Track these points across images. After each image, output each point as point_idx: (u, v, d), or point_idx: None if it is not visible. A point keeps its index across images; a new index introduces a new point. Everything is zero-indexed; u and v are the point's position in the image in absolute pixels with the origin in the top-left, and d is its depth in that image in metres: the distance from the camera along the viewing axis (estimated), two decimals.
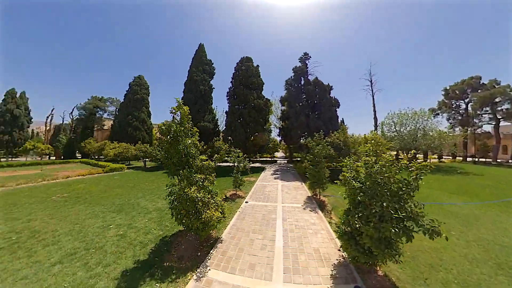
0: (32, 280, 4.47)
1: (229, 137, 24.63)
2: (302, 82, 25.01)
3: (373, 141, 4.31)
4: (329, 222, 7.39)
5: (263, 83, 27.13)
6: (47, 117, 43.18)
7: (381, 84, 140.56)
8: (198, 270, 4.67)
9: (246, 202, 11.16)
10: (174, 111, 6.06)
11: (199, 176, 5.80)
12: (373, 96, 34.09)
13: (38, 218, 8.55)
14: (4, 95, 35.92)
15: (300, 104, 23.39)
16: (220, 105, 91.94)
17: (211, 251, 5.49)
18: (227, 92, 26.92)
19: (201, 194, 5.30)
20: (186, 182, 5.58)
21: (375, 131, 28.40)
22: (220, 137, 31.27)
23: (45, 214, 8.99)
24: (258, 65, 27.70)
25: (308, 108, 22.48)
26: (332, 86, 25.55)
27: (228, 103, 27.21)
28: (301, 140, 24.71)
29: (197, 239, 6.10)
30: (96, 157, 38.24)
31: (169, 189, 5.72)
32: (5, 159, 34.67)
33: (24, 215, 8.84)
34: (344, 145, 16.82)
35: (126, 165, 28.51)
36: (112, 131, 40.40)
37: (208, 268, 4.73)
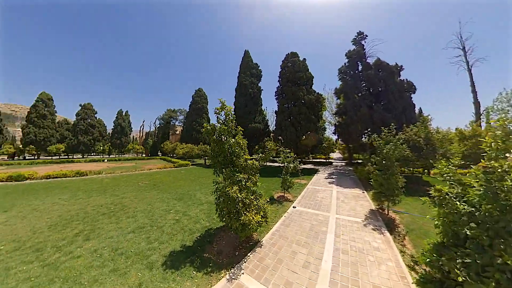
0: (114, 240, 6.30)
1: (279, 137, 24.05)
2: (360, 67, 21.17)
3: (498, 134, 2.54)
4: (401, 252, 5.49)
5: (313, 77, 24.94)
6: (140, 127, 56.83)
7: (481, 50, 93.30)
8: (232, 270, 4.60)
9: (294, 207, 10.26)
10: (217, 111, 6.12)
11: (242, 175, 5.63)
12: (469, 70, 24.46)
13: (127, 197, 11.47)
14: (116, 114, 49.94)
15: (360, 94, 19.83)
16: (270, 106, 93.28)
17: (249, 254, 5.25)
18: (275, 92, 26.42)
19: (242, 194, 5.18)
20: (229, 181, 5.61)
21: (478, 121, 20.62)
22: (271, 137, 31.17)
23: (132, 195, 11.94)
24: (305, 59, 25.74)
25: (370, 98, 18.72)
26: (402, 66, 20.08)
27: (277, 102, 26.68)
28: (363, 138, 21.05)
29: (238, 238, 6.05)
30: (171, 155, 46.50)
31: (216, 186, 5.81)
32: (117, 156, 49.04)
33: (120, 194, 12.16)
34: (426, 143, 12.80)
35: (191, 162, 33.12)
36: (181, 135, 48.30)
37: (242, 271, 4.56)
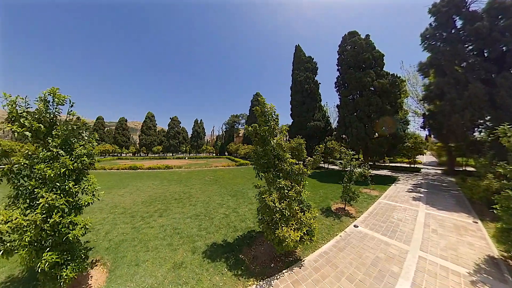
0: (176, 221, 7.77)
1: (343, 135, 20.40)
2: (458, 23, 14.11)
3: None
4: None
5: (383, 56, 19.40)
6: (211, 131, 66.02)
7: None
8: (261, 283, 4.35)
9: (355, 226, 7.89)
10: (257, 111, 5.69)
11: (284, 182, 4.97)
12: None
13: (194, 188, 13.72)
14: (193, 123, 60.72)
15: (464, 63, 13.23)
16: (331, 101, 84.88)
17: (284, 271, 4.71)
18: (335, 83, 22.67)
19: (282, 204, 4.62)
20: (269, 187, 5.32)
21: None
22: (334, 136, 27.33)
23: (198, 187, 14.00)
24: (368, 35, 20.48)
25: (486, 66, 11.96)
26: None
27: (338, 95, 22.87)
28: (475, 133, 14.15)
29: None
30: (235, 155, 51.34)
31: (259, 190, 5.50)
32: (194, 155, 59.52)
33: (190, 185, 14.81)
34: None
35: (250, 161, 35.46)
36: (244, 137, 51.93)
37: None
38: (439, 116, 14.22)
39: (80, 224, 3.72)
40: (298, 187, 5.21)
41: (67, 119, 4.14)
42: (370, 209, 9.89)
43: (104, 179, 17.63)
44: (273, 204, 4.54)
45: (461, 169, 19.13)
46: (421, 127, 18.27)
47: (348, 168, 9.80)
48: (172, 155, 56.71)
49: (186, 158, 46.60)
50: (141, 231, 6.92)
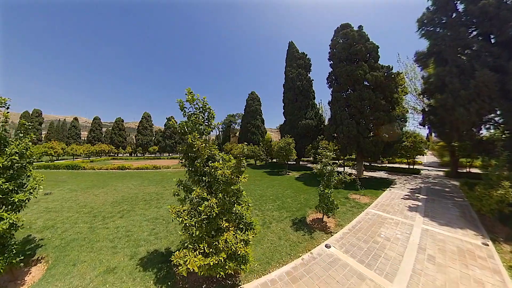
0: (132, 223, 7.69)
1: (334, 134, 18.32)
2: (460, 6, 11.94)
3: None
4: None
5: (377, 47, 17.24)
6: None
7: None
8: None
9: (327, 246, 6.00)
10: (181, 105, 4.66)
11: (198, 191, 4.15)
12: None
13: (169, 189, 13.06)
14: None
15: (468, 50, 11.07)
16: (327, 100, 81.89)
17: None
18: (327, 78, 20.59)
19: (192, 220, 3.89)
20: (185, 196, 4.75)
21: None
22: (324, 134, 25.21)
23: (175, 188, 15.26)
24: (361, 26, 18.34)
25: (493, 52, 9.84)
26: None
27: (331, 92, 20.81)
28: (482, 131, 12.00)
29: None
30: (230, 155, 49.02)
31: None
32: None
33: (168, 186, 14.27)
34: None
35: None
36: (239, 137, 49.97)
37: None
38: (440, 111, 12.05)
39: (5, 220, 3.73)
40: (226, 198, 4.22)
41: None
42: (354, 221, 7.89)
43: (88, 179, 17.35)
44: (181, 218, 3.83)
45: (465, 171, 16.84)
46: (420, 124, 16.07)
47: (322, 169, 7.82)
48: (169, 155, 55.28)
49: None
50: (95, 231, 6.87)
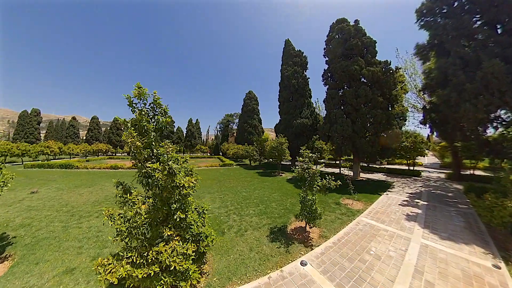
0: (103, 226, 7.01)
1: (328, 133, 17.09)
2: None
3: None
4: None
5: (375, 42, 16.01)
6: (207, 130, 63.23)
7: None
8: None
9: (302, 263, 4.84)
10: (129, 100, 3.96)
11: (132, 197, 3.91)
12: None
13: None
14: (187, 122, 57.74)
15: (472, 42, 9.73)
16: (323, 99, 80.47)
17: None
18: (322, 76, 19.37)
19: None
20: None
21: None
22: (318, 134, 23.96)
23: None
24: (357, 20, 17.07)
25: (501, 42, 8.53)
26: None
27: (326, 90, 19.59)
28: (489, 130, 10.67)
29: None
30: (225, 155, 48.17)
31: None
32: (188, 154, 56.52)
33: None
34: None
35: (239, 162, 34.59)
36: (236, 136, 48.88)
37: None
38: (443, 108, 10.78)
39: None
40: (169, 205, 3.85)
41: None
42: (341, 233, 6.70)
43: (78, 178, 17.01)
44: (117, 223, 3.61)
45: (468, 173, 15.49)
46: (421, 123, 14.77)
47: (307, 176, 6.66)
48: None
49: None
50: (67, 230, 6.74)
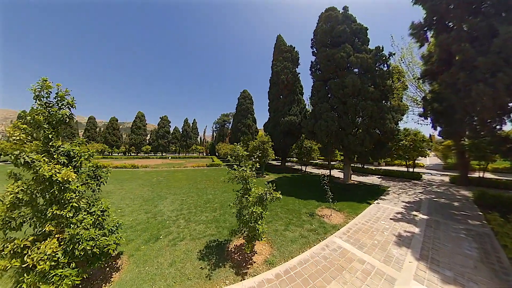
0: None
1: (312, 130, 14.73)
2: None
3: None
4: None
5: (366, 29, 13.68)
6: (204, 131, 61.45)
7: None
8: None
9: None
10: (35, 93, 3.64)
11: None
12: None
13: (126, 188, 12.48)
14: (183, 122, 56.33)
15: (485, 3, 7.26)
16: None
17: None
18: (310, 68, 17.08)
19: None
20: None
21: None
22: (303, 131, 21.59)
23: (135, 187, 13.03)
24: (346, 7, 14.69)
25: None
26: None
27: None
28: (505, 122, 8.09)
29: None
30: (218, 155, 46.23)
31: None
32: (184, 154, 56.04)
33: (125, 186, 13.32)
34: None
35: (227, 162, 32.77)
36: (229, 136, 46.90)
37: None
38: (447, 95, 8.36)
39: None
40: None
41: None
42: (297, 259, 4.56)
43: None
44: None
45: (477, 176, 12.87)
46: (420, 116, 12.29)
47: (241, 182, 4.46)
48: (162, 155, 52.87)
49: (169, 158, 42.38)
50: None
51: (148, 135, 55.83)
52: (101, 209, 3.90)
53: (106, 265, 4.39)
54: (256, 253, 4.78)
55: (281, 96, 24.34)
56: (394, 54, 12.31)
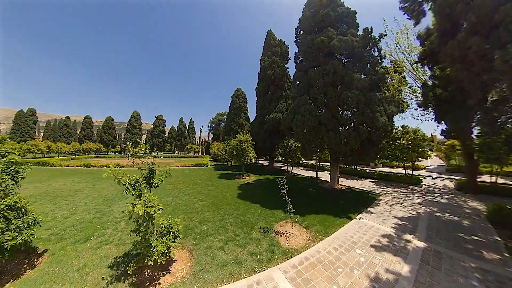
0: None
1: (290, 127, 12.50)
2: None
3: None
4: None
5: (354, 12, 11.39)
6: (200, 130, 59.62)
7: None
8: None
9: None
10: None
11: None
12: None
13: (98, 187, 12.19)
14: (178, 121, 54.55)
15: None
16: None
17: None
18: (294, 60, 14.86)
19: None
20: None
21: None
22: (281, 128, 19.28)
23: (104, 185, 12.63)
24: None
25: None
26: None
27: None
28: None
29: None
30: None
31: None
32: (178, 153, 54.30)
33: (101, 184, 13.11)
34: None
35: (216, 161, 32.74)
36: (223, 135, 45.00)
37: None
38: (455, 72, 6.06)
39: None
40: None
41: None
42: None
43: (40, 175, 16.20)
44: None
45: (488, 182, 10.43)
46: (419, 106, 9.93)
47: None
48: (157, 154, 51.24)
49: (162, 157, 40.72)
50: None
51: (145, 135, 54.40)
52: (8, 204, 3.66)
53: (26, 261, 4.23)
54: (169, 273, 3.50)
55: (268, 92, 22.15)
56: (386, 35, 9.96)
